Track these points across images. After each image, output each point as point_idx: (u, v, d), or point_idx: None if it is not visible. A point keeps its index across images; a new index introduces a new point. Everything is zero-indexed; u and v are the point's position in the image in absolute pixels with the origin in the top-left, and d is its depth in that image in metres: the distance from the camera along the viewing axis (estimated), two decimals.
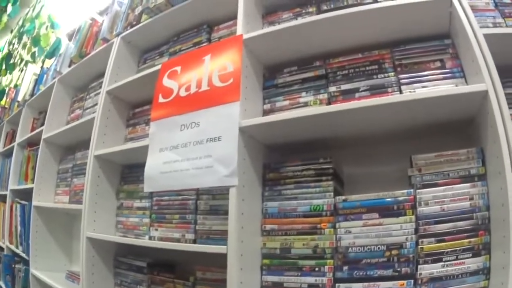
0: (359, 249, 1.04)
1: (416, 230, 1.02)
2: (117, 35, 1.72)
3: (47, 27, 3.06)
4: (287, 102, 1.18)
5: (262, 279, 1.11)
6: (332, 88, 1.16)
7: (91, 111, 1.79)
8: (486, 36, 1.00)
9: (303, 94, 1.18)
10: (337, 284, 1.04)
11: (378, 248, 1.03)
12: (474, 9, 1.09)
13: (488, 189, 1.03)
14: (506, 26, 1.11)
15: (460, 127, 1.12)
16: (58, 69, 2.24)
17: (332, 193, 1.07)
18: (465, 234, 1.02)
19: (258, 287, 1.11)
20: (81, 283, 1.46)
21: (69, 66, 2.12)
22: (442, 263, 1.01)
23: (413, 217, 1.02)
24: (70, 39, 2.55)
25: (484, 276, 1.01)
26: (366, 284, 1.03)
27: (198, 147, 1.16)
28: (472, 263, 1.01)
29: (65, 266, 2.03)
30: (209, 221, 1.22)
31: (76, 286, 1.66)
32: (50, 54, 2.67)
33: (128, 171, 1.58)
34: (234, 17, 1.31)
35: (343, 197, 1.05)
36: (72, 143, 1.99)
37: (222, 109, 1.13)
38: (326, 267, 1.05)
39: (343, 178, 1.21)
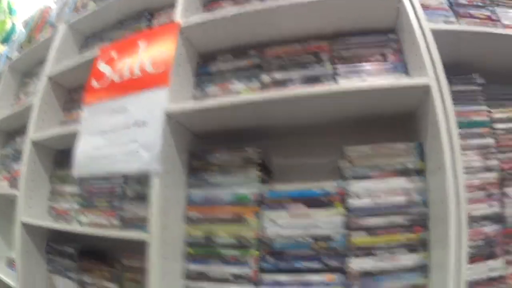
0: (285, 240, 1.02)
1: (347, 223, 1.01)
2: (63, 21, 1.68)
3: (5, 13, 2.98)
4: (218, 90, 1.17)
5: (185, 268, 1.09)
6: (265, 77, 1.15)
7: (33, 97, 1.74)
8: (434, 32, 0.99)
9: (235, 82, 1.17)
10: (262, 275, 1.03)
11: (305, 240, 1.02)
12: (425, 6, 1.08)
13: (427, 185, 1.02)
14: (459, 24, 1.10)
15: (400, 122, 1.12)
16: (9, 55, 2.17)
17: (258, 183, 1.05)
18: (400, 230, 1.01)
19: (181, 277, 1.09)
20: (16, 269, 1.42)
21: (19, 52, 2.06)
22: (374, 258, 1.00)
23: (343, 209, 1.01)
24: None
25: (422, 274, 1.00)
26: (292, 276, 1.02)
27: (126, 132, 1.14)
28: (408, 260, 1.00)
29: (5, 252, 1.98)
30: (136, 208, 1.20)
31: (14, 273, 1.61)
32: (5, 40, 2.59)
33: (61, 156, 1.54)
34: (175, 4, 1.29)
35: (270, 187, 1.04)
36: (15, 129, 1.94)
37: (150, 94, 1.11)
38: (251, 257, 1.04)
39: (272, 168, 1.20)
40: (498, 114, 1.13)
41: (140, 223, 1.17)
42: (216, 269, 1.06)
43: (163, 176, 1.04)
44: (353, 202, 1.01)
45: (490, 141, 1.09)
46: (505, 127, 1.14)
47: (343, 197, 1.01)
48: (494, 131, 1.12)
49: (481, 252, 1.05)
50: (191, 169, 1.12)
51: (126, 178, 1.24)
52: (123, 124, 1.15)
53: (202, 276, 1.07)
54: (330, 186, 1.02)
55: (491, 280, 1.07)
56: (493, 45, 1.08)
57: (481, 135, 1.08)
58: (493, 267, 1.07)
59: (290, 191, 1.03)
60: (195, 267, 1.08)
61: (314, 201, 1.02)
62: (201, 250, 1.08)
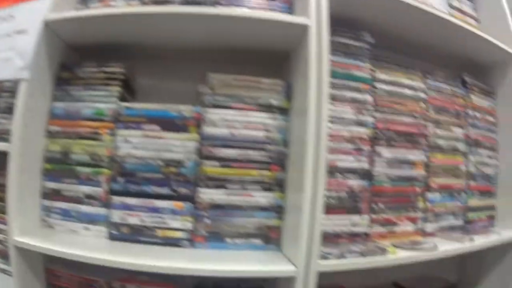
0: (136, 161, 0.98)
1: (200, 151, 0.98)
2: None
3: None
4: (99, 4, 1.12)
5: (42, 185, 1.04)
6: None
7: None
8: None
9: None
10: (112, 197, 0.99)
11: (156, 162, 0.98)
12: None
13: (289, 126, 1.00)
14: None
15: (276, 61, 1.09)
16: None
17: (117, 99, 1.01)
18: (256, 166, 0.98)
19: (38, 193, 1.04)
20: None
21: None
22: (226, 190, 0.98)
23: (197, 135, 0.98)
24: None
25: (276, 214, 0.98)
26: (141, 200, 0.98)
27: (7, 40, 1.10)
28: (261, 197, 0.97)
29: None
30: (6, 120, 1.14)
31: None
32: None
33: None
34: None
35: (127, 104, 1.01)
36: None
37: (36, 3, 1.08)
38: (102, 176, 1.00)
39: (135, 88, 1.16)
40: (381, 75, 1.13)
41: (6, 136, 1.12)
42: (70, 187, 1.02)
43: (30, 84, 0.99)
44: (209, 129, 0.97)
45: (367, 97, 1.08)
46: (386, 89, 1.14)
47: (199, 123, 0.97)
48: (374, 90, 1.11)
49: (344, 205, 1.04)
50: (59, 81, 1.07)
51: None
52: (6, 32, 1.12)
53: (57, 194, 1.02)
54: (187, 110, 0.98)
55: (354, 235, 1.06)
56: (387, 9, 1.09)
57: (358, 90, 1.07)
58: (356, 222, 1.06)
59: (146, 110, 0.99)
60: (51, 184, 1.03)
61: (170, 124, 0.97)
62: (58, 166, 1.03)
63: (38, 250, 0.92)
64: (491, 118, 1.38)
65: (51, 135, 1.04)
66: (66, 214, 1.01)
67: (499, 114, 1.39)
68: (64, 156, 1.02)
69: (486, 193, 1.34)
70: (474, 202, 1.30)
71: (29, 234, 0.95)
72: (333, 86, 1.00)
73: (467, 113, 1.30)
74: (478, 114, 1.34)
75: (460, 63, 1.37)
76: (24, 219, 0.97)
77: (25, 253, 0.94)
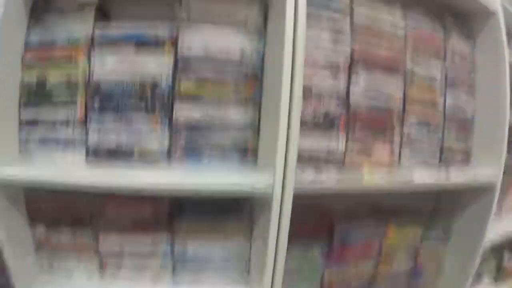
0: (112, 83, 0.99)
1: (176, 69, 0.98)
2: None
3: None
4: None
5: (20, 116, 1.04)
6: None
7: None
8: None
9: None
10: (88, 120, 0.99)
11: (132, 84, 0.98)
12: None
13: (266, 44, 1.01)
14: None
15: None
16: None
17: (91, 24, 1.02)
18: (231, 82, 0.99)
19: (16, 125, 1.04)
20: None
21: None
22: (202, 108, 0.98)
23: (172, 55, 0.98)
24: None
25: (254, 133, 1.00)
26: (117, 121, 0.99)
27: None
28: (237, 114, 0.99)
29: None
30: None
31: None
32: None
33: None
34: None
35: (101, 28, 1.01)
36: None
37: None
38: (78, 101, 1.00)
39: (111, 11, 1.12)
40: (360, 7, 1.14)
41: None
42: (47, 115, 1.02)
43: (4, 15, 0.99)
44: (184, 49, 0.98)
45: (345, 25, 1.10)
46: (365, 21, 1.14)
47: (174, 42, 0.98)
48: (353, 20, 1.12)
49: (320, 127, 1.06)
50: (34, 10, 1.07)
51: None
52: None
53: (34, 123, 1.03)
54: (162, 30, 0.99)
55: (330, 158, 1.08)
56: None
57: (336, 19, 1.08)
58: (332, 145, 1.08)
59: (121, 33, 1.00)
60: (28, 114, 1.03)
61: (145, 45, 0.98)
62: (33, 95, 1.03)
63: (18, 179, 0.92)
64: (469, 62, 1.38)
65: (26, 64, 1.04)
66: (44, 142, 1.02)
67: (477, 60, 1.39)
68: (40, 84, 1.03)
69: (462, 133, 1.36)
70: (450, 141, 1.32)
71: (8, 165, 0.95)
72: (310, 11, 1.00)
73: (446, 52, 1.31)
74: (456, 56, 1.35)
75: (442, 9, 1.37)
76: (2, 150, 0.97)
77: (5, 186, 0.94)
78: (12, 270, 0.97)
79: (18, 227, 1.03)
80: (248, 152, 1.01)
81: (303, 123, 0.92)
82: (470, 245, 1.34)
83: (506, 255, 1.72)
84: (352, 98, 1.11)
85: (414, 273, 1.39)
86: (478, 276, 1.58)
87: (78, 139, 1.00)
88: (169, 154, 0.98)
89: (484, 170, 1.28)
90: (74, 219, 1.04)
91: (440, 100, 1.30)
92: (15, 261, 0.98)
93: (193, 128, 0.98)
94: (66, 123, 1.01)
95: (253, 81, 1.00)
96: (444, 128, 1.30)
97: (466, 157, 1.37)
